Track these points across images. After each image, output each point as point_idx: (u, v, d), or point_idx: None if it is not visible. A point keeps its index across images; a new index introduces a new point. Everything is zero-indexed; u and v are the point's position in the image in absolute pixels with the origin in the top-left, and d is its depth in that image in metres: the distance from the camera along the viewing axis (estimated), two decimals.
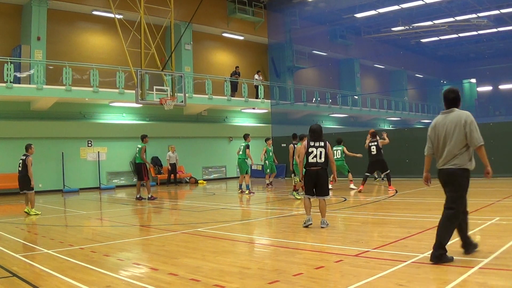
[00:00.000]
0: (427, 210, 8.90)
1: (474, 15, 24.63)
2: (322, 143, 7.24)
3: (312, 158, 7.21)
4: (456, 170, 4.75)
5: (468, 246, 4.94)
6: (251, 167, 15.12)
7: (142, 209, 11.84)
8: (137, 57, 15.68)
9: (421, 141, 18.68)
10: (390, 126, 32.44)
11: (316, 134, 7.31)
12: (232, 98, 22.83)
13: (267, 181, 16.35)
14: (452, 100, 4.91)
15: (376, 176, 16.20)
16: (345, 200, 11.56)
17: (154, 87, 15.74)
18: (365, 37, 29.10)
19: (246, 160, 14.41)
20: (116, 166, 20.27)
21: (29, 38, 18.05)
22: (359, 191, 12.67)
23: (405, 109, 33.01)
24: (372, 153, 12.77)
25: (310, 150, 7.24)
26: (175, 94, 16.21)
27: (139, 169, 13.56)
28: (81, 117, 19.62)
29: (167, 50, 19.56)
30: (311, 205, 7.32)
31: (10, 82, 16.30)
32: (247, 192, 14.11)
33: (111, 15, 16.72)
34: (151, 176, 21.11)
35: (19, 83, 17.04)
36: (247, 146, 14.37)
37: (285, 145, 17.65)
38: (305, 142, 7.46)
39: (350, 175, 14.13)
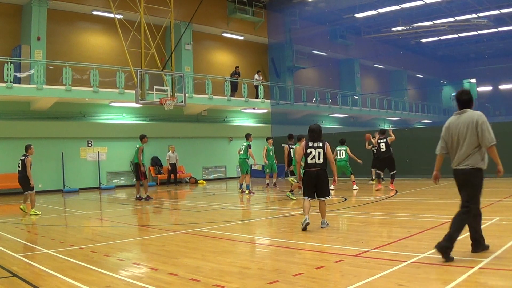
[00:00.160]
0: (427, 210, 8.91)
1: (474, 15, 24.62)
2: (320, 144, 7.13)
3: (311, 159, 7.11)
4: (470, 170, 4.85)
5: (478, 245, 4.94)
6: (251, 167, 15.12)
7: (142, 209, 11.84)
8: (137, 57, 15.68)
9: (421, 141, 18.83)
10: (390, 126, 32.38)
11: (314, 134, 7.21)
12: (232, 98, 22.83)
13: (267, 181, 16.34)
14: (465, 101, 5.01)
15: (374, 177, 16.21)
16: (345, 200, 11.56)
17: (154, 87, 15.74)
18: (365, 37, 29.09)
19: (247, 160, 14.40)
20: (116, 166, 20.27)
21: (29, 38, 18.05)
22: (378, 190, 12.79)
23: (405, 109, 33.01)
24: (382, 150, 13.00)
25: (308, 151, 7.14)
26: (175, 94, 16.21)
27: (139, 169, 13.54)
28: (81, 117, 19.62)
29: (167, 50, 19.57)
30: (310, 206, 7.20)
31: (10, 82, 16.30)
32: (247, 192, 14.11)
33: (111, 15, 16.73)
34: (151, 176, 21.17)
35: (19, 83, 17.04)
36: (249, 146, 14.35)
37: (285, 145, 17.67)
38: (303, 143, 7.36)
39: (352, 176, 14.15)
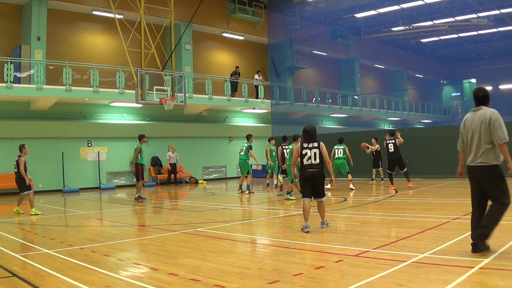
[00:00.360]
0: (427, 210, 8.90)
1: (474, 15, 24.62)
2: (315, 144, 7.03)
3: (307, 160, 7.00)
4: (486, 168, 4.90)
5: (478, 245, 4.95)
6: (251, 167, 15.14)
7: (142, 209, 11.84)
8: (137, 57, 15.68)
9: (421, 141, 18.83)
10: (390, 126, 32.41)
11: (309, 135, 7.11)
12: (232, 98, 22.83)
13: (268, 181, 16.34)
14: (482, 98, 5.07)
15: (374, 177, 16.23)
16: (345, 200, 11.56)
17: (154, 87, 15.74)
18: (365, 37, 29.09)
19: (247, 160, 14.40)
20: (116, 166, 20.27)
21: (29, 38, 18.05)
22: (394, 189, 12.85)
23: (405, 109, 33.01)
24: (390, 150, 13.20)
25: (304, 152, 7.03)
26: (175, 94, 16.21)
27: (136, 169, 13.51)
28: (81, 117, 19.62)
29: (167, 50, 19.57)
30: (310, 208, 7.11)
31: (10, 82, 16.30)
32: (247, 192, 14.11)
33: (111, 15, 16.73)
34: (151, 176, 21.18)
35: (19, 83, 17.05)
36: (250, 147, 14.34)
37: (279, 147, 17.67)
38: (298, 145, 7.22)
39: (349, 175, 14.15)
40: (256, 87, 24.14)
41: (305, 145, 7.09)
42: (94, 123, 19.94)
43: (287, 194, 12.06)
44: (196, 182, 21.69)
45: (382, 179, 15.97)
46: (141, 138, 13.60)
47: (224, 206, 11.96)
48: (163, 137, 21.66)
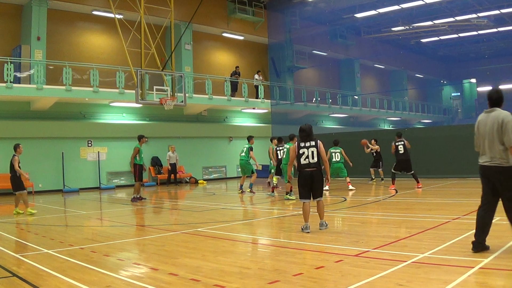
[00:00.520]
0: (427, 210, 8.90)
1: (474, 15, 24.63)
2: (313, 143, 6.96)
3: (304, 160, 6.94)
4: (502, 168, 4.91)
5: (479, 245, 4.97)
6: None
7: (142, 209, 11.84)
8: (137, 57, 15.67)
9: (421, 141, 18.80)
10: (390, 126, 32.44)
11: (305, 133, 7.03)
12: (232, 98, 22.83)
13: (269, 180, 16.34)
14: (496, 100, 5.09)
15: (373, 177, 16.23)
16: (345, 200, 11.56)
17: (154, 87, 15.72)
18: (365, 37, 29.10)
19: (248, 161, 14.41)
20: (116, 166, 20.26)
21: (29, 38, 18.05)
22: (394, 189, 12.87)
23: (405, 109, 33.02)
24: (400, 151, 13.18)
25: (301, 151, 6.96)
26: (175, 94, 16.20)
27: (134, 170, 13.47)
28: (81, 117, 19.62)
29: (167, 50, 19.57)
30: (310, 209, 7.07)
31: (10, 82, 16.30)
32: (248, 190, 14.11)
33: (111, 15, 16.73)
34: (151, 176, 21.17)
35: (19, 83, 17.04)
36: (251, 148, 14.35)
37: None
38: (294, 144, 7.17)
39: (347, 178, 14.19)
40: (256, 87, 24.14)
41: (302, 144, 7.02)
42: (94, 123, 19.94)
43: (286, 194, 12.06)
44: (196, 182, 21.69)
45: (382, 179, 15.97)
46: (140, 138, 13.55)
47: (224, 206, 11.97)
48: (163, 137, 21.66)
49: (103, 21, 20.74)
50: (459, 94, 34.84)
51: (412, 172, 13.19)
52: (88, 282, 4.53)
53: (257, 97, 23.94)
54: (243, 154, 14.37)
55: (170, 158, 20.37)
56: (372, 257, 5.13)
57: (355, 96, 29.46)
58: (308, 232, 6.83)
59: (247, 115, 25.48)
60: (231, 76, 23.74)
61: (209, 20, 23.88)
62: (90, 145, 19.74)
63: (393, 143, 13.35)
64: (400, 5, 23.77)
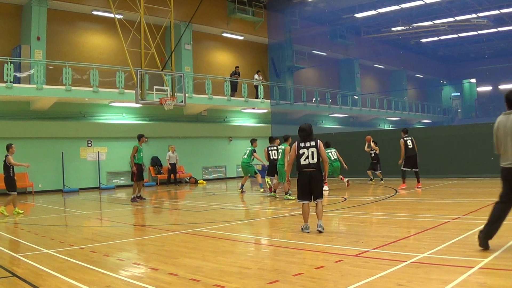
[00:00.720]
0: (427, 210, 8.90)
1: (474, 15, 24.64)
2: (313, 143, 6.87)
3: (304, 160, 6.84)
4: None
5: (486, 240, 5.00)
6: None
7: (142, 209, 11.84)
8: (137, 57, 15.67)
9: (421, 141, 18.74)
10: (390, 126, 32.45)
11: (306, 133, 6.93)
12: (232, 98, 22.84)
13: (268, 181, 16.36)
14: None
15: (372, 177, 16.24)
16: (345, 200, 11.56)
17: (154, 87, 15.73)
18: (365, 37, 29.11)
19: (250, 163, 14.45)
20: (116, 166, 20.26)
21: (29, 38, 18.05)
22: (403, 189, 12.87)
23: (405, 109, 33.04)
24: (409, 147, 13.06)
25: (301, 152, 6.86)
26: (175, 94, 16.21)
27: (137, 169, 13.44)
28: (81, 117, 19.62)
29: (167, 50, 19.56)
30: (309, 209, 7.02)
31: (10, 82, 16.30)
32: (261, 191, 14.28)
33: (111, 15, 16.73)
34: (151, 176, 21.17)
35: (19, 83, 17.04)
36: (254, 151, 14.39)
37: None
38: (294, 145, 7.05)
39: (340, 176, 14.39)
40: (256, 87, 24.14)
41: (302, 144, 6.92)
42: (94, 123, 19.94)
43: (286, 194, 12.07)
44: (196, 182, 21.69)
45: (382, 179, 15.96)
46: (140, 137, 13.54)
47: (224, 206, 11.97)
48: (163, 137, 21.66)
49: (103, 21, 20.74)
50: (459, 94, 34.86)
51: (417, 169, 13.16)
52: (88, 282, 4.53)
53: (257, 97, 23.94)
54: (245, 156, 14.43)
55: (170, 158, 20.37)
56: (372, 257, 5.14)
57: (355, 96, 29.47)
58: (308, 232, 6.82)
59: (247, 115, 25.48)
60: (231, 76, 23.74)
61: (209, 20, 23.88)
62: (90, 145, 19.74)
63: (401, 140, 13.21)
64: (400, 5, 23.79)
